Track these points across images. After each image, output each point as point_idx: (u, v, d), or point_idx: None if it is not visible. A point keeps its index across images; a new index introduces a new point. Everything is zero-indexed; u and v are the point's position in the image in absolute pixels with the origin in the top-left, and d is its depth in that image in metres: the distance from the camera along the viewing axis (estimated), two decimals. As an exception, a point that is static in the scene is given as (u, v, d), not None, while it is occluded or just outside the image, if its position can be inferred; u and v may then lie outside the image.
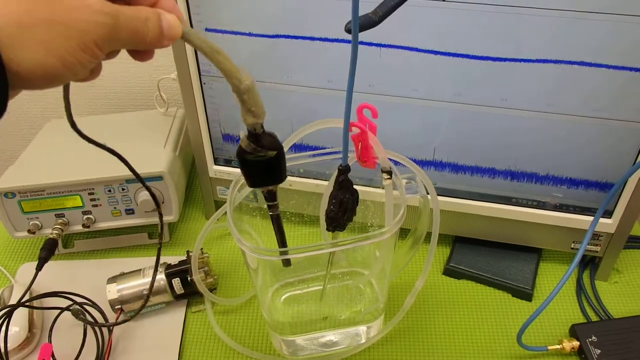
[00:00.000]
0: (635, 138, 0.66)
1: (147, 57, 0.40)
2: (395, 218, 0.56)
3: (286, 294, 0.73)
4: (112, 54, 0.37)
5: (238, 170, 0.80)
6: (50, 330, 0.73)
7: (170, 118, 0.91)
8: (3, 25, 0.30)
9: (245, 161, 0.46)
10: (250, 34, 0.68)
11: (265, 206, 0.53)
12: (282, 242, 0.56)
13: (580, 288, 0.79)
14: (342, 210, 0.57)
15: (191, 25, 0.68)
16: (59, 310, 0.74)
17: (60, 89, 0.39)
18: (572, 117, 0.66)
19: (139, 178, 0.57)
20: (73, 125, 0.43)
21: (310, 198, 0.76)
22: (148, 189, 0.59)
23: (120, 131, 0.89)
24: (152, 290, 0.74)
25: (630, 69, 0.60)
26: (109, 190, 0.78)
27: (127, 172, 0.75)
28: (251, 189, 0.54)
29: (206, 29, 0.69)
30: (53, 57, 0.31)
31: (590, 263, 0.82)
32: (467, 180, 0.75)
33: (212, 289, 0.79)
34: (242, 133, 0.45)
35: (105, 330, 0.74)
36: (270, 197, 0.51)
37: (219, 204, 0.89)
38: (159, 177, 0.78)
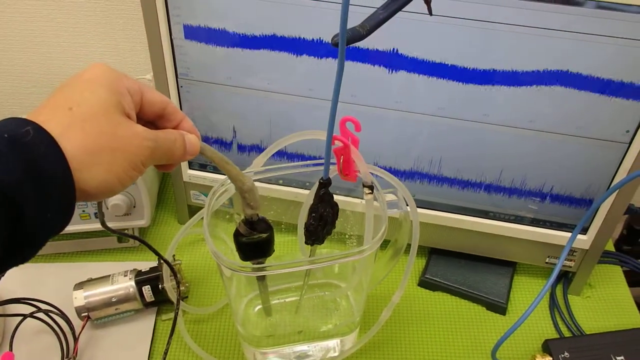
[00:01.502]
0: (614, 156, 0.66)
1: (170, 169, 0.47)
2: (375, 232, 0.55)
3: (260, 305, 0.71)
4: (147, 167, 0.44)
5: (212, 175, 0.80)
6: (12, 338, 0.70)
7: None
8: (75, 153, 0.36)
9: (241, 242, 0.54)
10: (230, 38, 0.66)
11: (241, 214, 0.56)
12: (266, 309, 0.63)
13: (553, 302, 0.80)
14: (321, 224, 0.56)
15: (169, 22, 0.67)
16: (21, 317, 0.71)
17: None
18: (552, 134, 0.66)
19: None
20: (104, 225, 0.57)
21: (289, 206, 0.75)
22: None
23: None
24: (120, 298, 0.72)
25: (610, 90, 0.61)
26: (78, 193, 0.75)
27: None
28: (228, 197, 0.59)
29: (184, 25, 0.67)
30: (113, 176, 0.38)
31: (563, 277, 0.83)
32: (446, 192, 0.75)
33: (184, 297, 0.77)
34: (238, 218, 0.54)
35: (70, 338, 0.71)
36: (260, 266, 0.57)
37: (192, 208, 0.87)
38: (131, 181, 0.75)
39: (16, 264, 0.37)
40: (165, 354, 0.69)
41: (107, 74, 0.40)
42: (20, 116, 0.37)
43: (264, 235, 0.54)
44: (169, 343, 0.69)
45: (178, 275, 0.74)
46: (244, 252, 0.55)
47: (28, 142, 0.34)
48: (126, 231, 0.84)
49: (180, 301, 0.73)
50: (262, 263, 0.56)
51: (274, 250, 0.56)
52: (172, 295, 0.72)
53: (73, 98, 0.38)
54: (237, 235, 0.54)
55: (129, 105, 0.41)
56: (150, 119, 0.44)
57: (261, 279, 0.58)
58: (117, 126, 0.38)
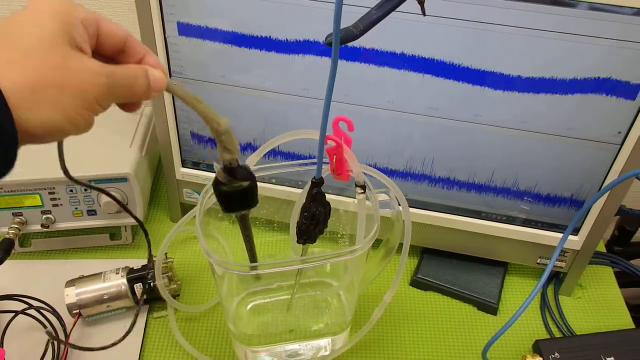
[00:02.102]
0: (605, 157, 0.66)
1: (134, 108, 0.43)
2: (367, 232, 0.55)
3: (252, 303, 0.71)
4: (106, 107, 0.40)
5: (206, 173, 0.80)
6: (3, 334, 0.70)
7: (137, 116, 0.88)
8: (16, 90, 0.33)
9: (221, 191, 0.50)
10: (225, 36, 0.66)
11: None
12: (252, 256, 0.56)
13: (544, 303, 0.80)
14: (313, 223, 0.56)
15: (163, 20, 0.66)
16: (12, 314, 0.71)
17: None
18: (544, 135, 0.66)
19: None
20: (66, 173, 0.49)
21: (281, 205, 0.75)
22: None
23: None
24: (112, 295, 0.72)
25: (602, 91, 0.61)
26: (71, 190, 0.75)
27: (90, 173, 0.73)
28: None
29: (178, 23, 0.67)
30: (60, 115, 0.35)
31: (554, 278, 0.83)
32: (438, 192, 0.75)
33: (176, 295, 0.77)
34: (217, 166, 0.49)
35: (61, 334, 0.71)
36: (243, 220, 0.53)
37: (185, 206, 0.87)
38: (123, 179, 0.75)
39: None
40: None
41: (55, 3, 0.36)
42: None
43: (246, 183, 0.49)
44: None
45: (170, 273, 0.75)
46: (225, 203, 0.51)
47: None
48: (120, 229, 0.84)
49: (172, 299, 0.73)
50: (246, 215, 0.53)
51: (257, 202, 0.52)
52: (164, 293, 0.72)
53: (15, 30, 0.35)
54: (216, 184, 0.50)
55: (82, 37, 0.37)
56: (110, 54, 0.41)
57: (243, 221, 0.54)
58: (65, 60, 0.35)
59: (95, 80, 0.36)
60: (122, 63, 0.41)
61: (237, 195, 0.50)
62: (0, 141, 0.33)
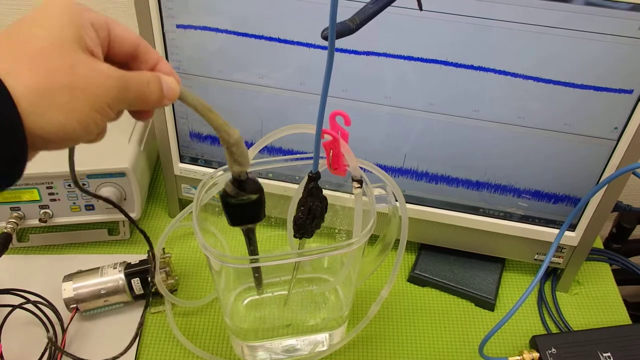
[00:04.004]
0: (602, 153, 0.67)
1: (147, 117, 0.43)
2: (363, 226, 0.55)
3: (249, 298, 0.71)
4: (118, 114, 0.40)
5: (204, 169, 0.80)
6: (0, 328, 0.70)
7: (135, 111, 0.88)
8: (25, 93, 0.32)
9: (229, 204, 0.49)
10: (223, 31, 0.66)
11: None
12: (258, 282, 0.57)
13: (541, 299, 0.80)
14: (310, 217, 0.56)
15: (161, 15, 0.66)
16: (10, 308, 0.71)
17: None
18: (541, 130, 0.66)
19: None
20: (76, 184, 0.50)
21: (278, 201, 0.75)
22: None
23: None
24: (109, 290, 0.72)
25: (599, 87, 0.61)
26: (69, 185, 0.75)
27: (88, 167, 0.73)
28: (218, 190, 0.56)
29: (177, 26, 0.67)
30: (72, 119, 0.34)
31: (552, 274, 0.84)
32: (435, 188, 0.75)
33: (173, 290, 0.77)
34: (226, 178, 0.50)
35: (58, 329, 0.71)
36: (249, 234, 0.53)
37: (183, 202, 0.87)
38: (121, 174, 0.75)
39: None
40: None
41: (64, 5, 0.35)
42: None
43: (254, 196, 0.49)
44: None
45: (167, 268, 0.75)
46: (232, 215, 0.51)
47: None
48: (118, 224, 0.85)
49: (169, 294, 0.73)
50: (252, 230, 0.53)
51: (265, 215, 0.52)
52: (162, 288, 0.72)
53: (25, 32, 0.34)
54: (224, 196, 0.49)
55: (93, 40, 0.36)
56: (122, 60, 0.40)
57: (250, 240, 0.54)
58: (75, 62, 0.34)
59: (107, 84, 0.35)
60: (134, 69, 0.40)
61: (244, 208, 0.50)
62: (10, 146, 0.32)
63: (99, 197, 0.70)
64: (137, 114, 0.42)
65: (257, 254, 0.54)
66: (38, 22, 0.34)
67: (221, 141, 0.46)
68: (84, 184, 0.75)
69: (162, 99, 0.40)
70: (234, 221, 0.51)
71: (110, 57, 0.39)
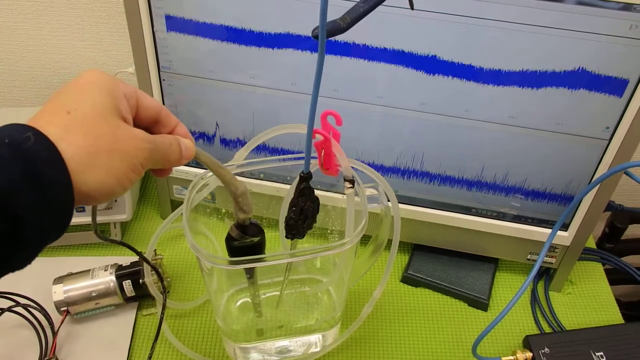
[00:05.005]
0: (594, 153, 0.67)
1: (166, 174, 0.48)
2: (356, 227, 0.55)
3: (242, 300, 0.71)
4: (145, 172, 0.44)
5: (195, 169, 0.79)
6: (-10, 332, 0.69)
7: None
8: (75, 154, 0.36)
9: (233, 246, 0.54)
10: (213, 32, 0.66)
11: (222, 209, 0.58)
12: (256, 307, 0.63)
13: (534, 299, 0.80)
14: (302, 218, 0.55)
15: (151, 14, 0.66)
16: None
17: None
18: (533, 130, 0.66)
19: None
20: (98, 234, 0.55)
21: (270, 201, 0.75)
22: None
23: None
24: (101, 292, 0.71)
25: (591, 87, 0.61)
26: (59, 187, 0.74)
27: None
28: (209, 191, 0.59)
29: (166, 17, 0.66)
30: (112, 177, 0.39)
31: (545, 274, 0.84)
32: (428, 188, 0.75)
33: (165, 292, 0.76)
34: (229, 222, 0.55)
35: (49, 332, 0.70)
36: (250, 271, 0.58)
37: (174, 203, 0.86)
38: (112, 175, 0.75)
39: (8, 271, 0.38)
40: (150, 357, 0.69)
41: (103, 79, 0.40)
42: (17, 122, 0.37)
43: (256, 239, 0.54)
44: (153, 347, 0.69)
45: (159, 270, 0.74)
46: (235, 256, 0.55)
47: (29, 148, 0.35)
48: (109, 226, 0.84)
49: (161, 296, 0.73)
50: (253, 268, 0.57)
51: (264, 253, 0.56)
52: (154, 290, 0.72)
53: (71, 102, 0.38)
54: (229, 239, 0.54)
55: (126, 109, 0.41)
56: (145, 125, 0.45)
57: (250, 276, 0.58)
58: (115, 128, 0.39)
59: (141, 146, 0.41)
60: (156, 133, 0.45)
61: (246, 249, 0.54)
62: (62, 202, 0.36)
63: (117, 242, 0.69)
64: (158, 172, 0.47)
65: (258, 291, 0.62)
66: (81, 93, 0.39)
67: (229, 193, 0.51)
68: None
69: (181, 159, 0.46)
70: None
71: (137, 122, 0.44)
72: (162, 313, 0.71)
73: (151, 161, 0.42)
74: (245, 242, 0.54)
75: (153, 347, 0.70)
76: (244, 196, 0.52)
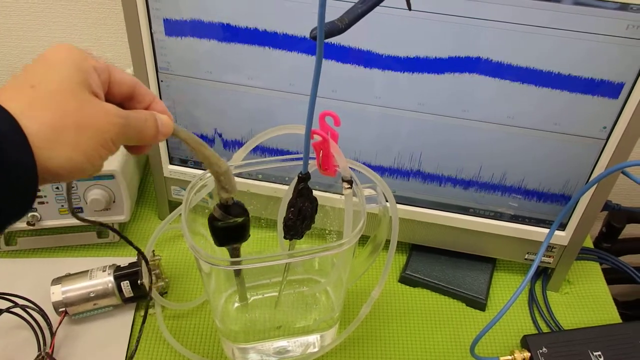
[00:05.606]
0: (591, 153, 0.67)
1: (142, 151, 0.47)
2: (354, 227, 0.55)
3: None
4: (117, 149, 0.43)
5: (193, 170, 0.79)
6: (-12, 333, 0.69)
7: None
8: (39, 129, 0.35)
9: (216, 227, 0.53)
10: (211, 28, 0.66)
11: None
12: (242, 294, 0.61)
13: (532, 298, 0.80)
14: (300, 218, 0.55)
15: (149, 15, 0.66)
16: (-2, 312, 0.70)
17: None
18: (531, 130, 0.66)
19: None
20: (74, 214, 0.55)
21: (268, 202, 0.75)
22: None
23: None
24: (99, 293, 0.71)
25: (588, 87, 0.61)
26: (57, 188, 0.74)
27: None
28: (208, 192, 0.59)
29: (164, 19, 0.66)
30: (80, 154, 0.37)
31: (542, 274, 0.84)
32: (426, 188, 0.75)
33: (163, 292, 0.76)
34: (214, 203, 0.53)
35: (47, 333, 0.70)
36: (235, 253, 0.56)
37: (172, 204, 0.86)
38: (110, 176, 0.75)
39: None
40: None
41: (72, 53, 0.39)
42: None
43: (239, 219, 0.53)
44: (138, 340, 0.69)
45: (157, 271, 0.74)
46: (219, 237, 0.54)
47: None
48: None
49: (160, 296, 0.73)
50: (237, 249, 0.55)
51: (249, 235, 0.55)
52: (152, 291, 0.72)
53: (36, 76, 0.37)
54: (211, 219, 0.53)
55: (96, 83, 0.40)
56: (119, 100, 0.43)
57: (235, 253, 0.57)
58: (84, 103, 0.38)
59: (112, 121, 0.39)
60: (131, 109, 0.44)
61: (230, 230, 0.53)
62: (24, 179, 0.35)
63: (98, 224, 0.70)
64: (134, 149, 0.46)
65: (243, 276, 0.60)
66: (48, 68, 0.38)
67: (211, 171, 0.50)
68: (73, 187, 0.75)
69: (157, 135, 0.44)
70: (221, 242, 0.55)
71: (110, 98, 0.42)
72: (147, 311, 0.71)
73: (123, 137, 0.41)
74: (228, 223, 0.53)
75: (138, 342, 0.70)
76: (227, 175, 0.50)
